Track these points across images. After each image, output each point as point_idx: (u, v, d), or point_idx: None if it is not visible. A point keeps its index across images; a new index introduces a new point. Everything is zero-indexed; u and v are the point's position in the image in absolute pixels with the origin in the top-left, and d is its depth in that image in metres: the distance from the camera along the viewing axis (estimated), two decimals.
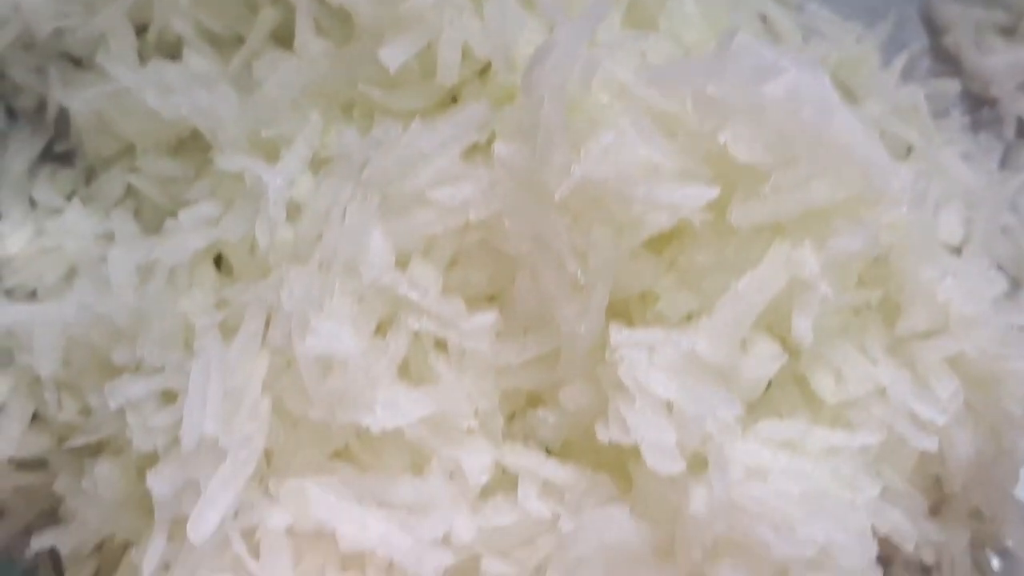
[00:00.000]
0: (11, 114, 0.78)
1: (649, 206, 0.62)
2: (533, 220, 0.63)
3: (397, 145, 0.64)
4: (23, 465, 0.68)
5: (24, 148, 0.76)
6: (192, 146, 0.72)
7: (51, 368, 0.65)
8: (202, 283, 0.66)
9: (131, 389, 0.61)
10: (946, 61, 0.88)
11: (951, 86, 0.86)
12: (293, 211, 0.65)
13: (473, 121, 0.65)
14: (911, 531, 0.65)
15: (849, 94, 0.80)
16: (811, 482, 0.60)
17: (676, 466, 0.58)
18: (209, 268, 0.66)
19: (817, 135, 0.63)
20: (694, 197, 0.62)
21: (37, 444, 0.67)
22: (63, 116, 0.75)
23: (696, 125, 0.63)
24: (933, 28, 0.88)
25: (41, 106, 0.76)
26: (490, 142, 0.65)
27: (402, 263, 0.64)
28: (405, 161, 0.64)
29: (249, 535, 0.60)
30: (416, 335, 0.64)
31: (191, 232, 0.65)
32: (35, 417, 0.68)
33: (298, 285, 0.61)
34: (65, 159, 0.76)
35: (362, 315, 0.62)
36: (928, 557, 0.70)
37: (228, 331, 0.62)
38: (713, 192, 0.62)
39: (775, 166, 0.63)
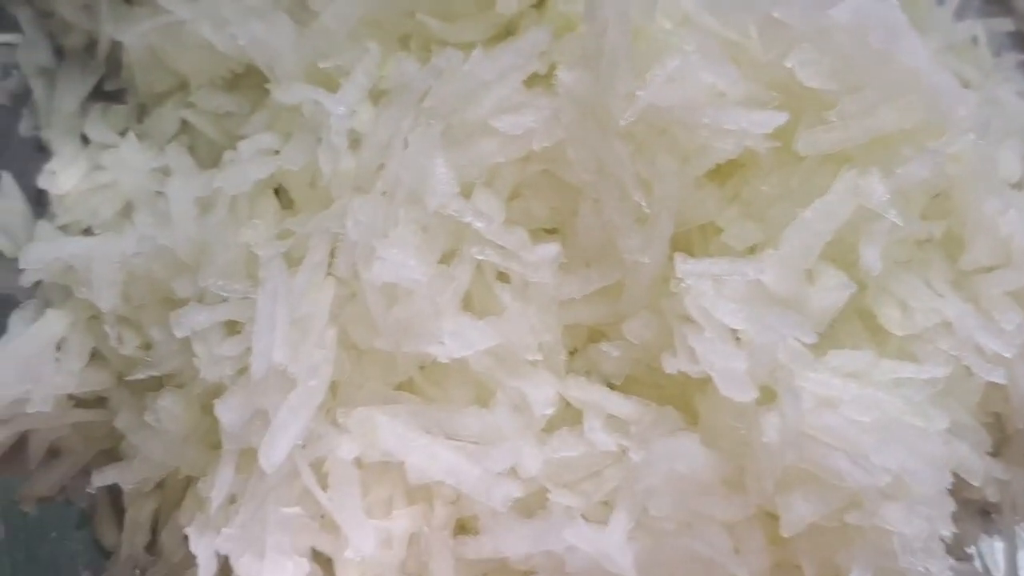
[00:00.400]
0: (60, 53, 0.77)
1: (715, 133, 0.61)
2: (596, 148, 0.62)
3: (458, 74, 0.64)
4: (82, 402, 0.67)
5: (75, 86, 0.75)
6: (247, 81, 0.71)
7: (111, 302, 0.64)
8: (263, 214, 0.65)
9: (196, 319, 0.61)
10: (997, 2, 0.87)
11: (1003, 24, 0.85)
12: (354, 141, 0.64)
13: (534, 49, 0.64)
14: (979, 465, 0.65)
15: None
16: (882, 411, 0.59)
17: (748, 394, 0.58)
18: (270, 199, 0.66)
19: (884, 60, 0.62)
20: (761, 123, 0.61)
21: (97, 380, 0.66)
22: (114, 54, 0.74)
23: (761, 51, 0.63)
24: None
25: (91, 44, 0.76)
26: (551, 72, 0.64)
27: (464, 193, 0.63)
28: (467, 90, 0.63)
29: (317, 466, 0.59)
30: (479, 266, 0.63)
31: (251, 162, 0.65)
32: (94, 353, 0.67)
33: (363, 214, 0.60)
34: (116, 97, 0.76)
35: (426, 244, 0.61)
36: (992, 495, 0.70)
37: (292, 261, 0.62)
38: (781, 117, 0.61)
39: (841, 92, 0.62)
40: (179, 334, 0.61)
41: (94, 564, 0.68)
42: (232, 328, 0.61)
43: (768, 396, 0.59)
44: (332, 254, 0.61)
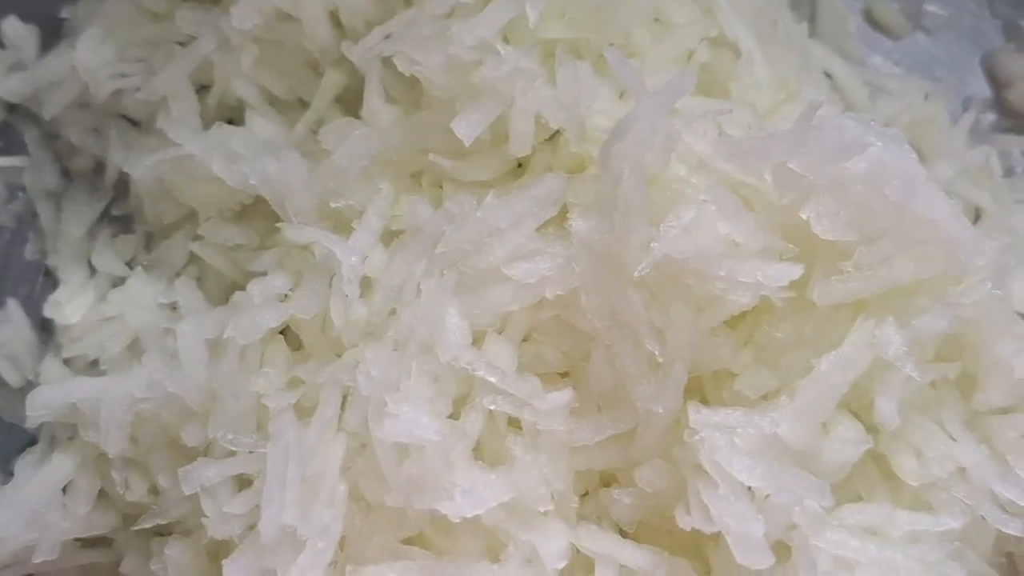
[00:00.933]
0: (67, 175, 0.76)
1: (731, 285, 0.61)
2: (610, 296, 0.62)
3: (471, 219, 0.63)
4: (88, 543, 0.67)
5: (82, 211, 0.75)
6: (256, 212, 0.71)
7: (119, 446, 0.64)
8: (274, 361, 0.64)
9: (205, 474, 0.60)
10: (1011, 115, 0.86)
11: (1018, 143, 0.85)
12: (365, 286, 0.64)
13: (549, 195, 0.64)
14: None
15: (919, 155, 0.78)
16: (899, 573, 0.59)
17: (765, 561, 0.57)
18: (281, 346, 0.65)
19: (901, 211, 0.61)
20: (777, 276, 0.61)
21: (104, 523, 0.66)
22: (122, 179, 0.74)
23: (777, 200, 0.62)
24: (996, 81, 0.86)
25: (98, 168, 0.75)
26: (563, 214, 0.64)
27: (476, 340, 0.62)
28: (480, 236, 0.63)
29: None
30: (490, 414, 0.62)
31: (262, 309, 0.64)
32: (100, 493, 0.66)
33: (374, 367, 0.60)
34: (124, 223, 0.75)
35: (438, 396, 0.61)
36: None
37: (302, 412, 0.61)
38: (797, 271, 0.61)
39: (858, 243, 0.62)
40: (187, 490, 0.60)
41: None
42: (244, 482, 0.61)
43: (782, 551, 0.59)
44: (342, 406, 0.61)
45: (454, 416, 0.62)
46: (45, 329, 0.73)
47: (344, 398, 0.61)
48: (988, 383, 0.66)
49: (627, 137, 0.60)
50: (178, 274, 0.71)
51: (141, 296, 0.70)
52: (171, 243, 0.72)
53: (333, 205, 0.66)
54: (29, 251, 0.75)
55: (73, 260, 0.73)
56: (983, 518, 0.64)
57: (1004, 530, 0.64)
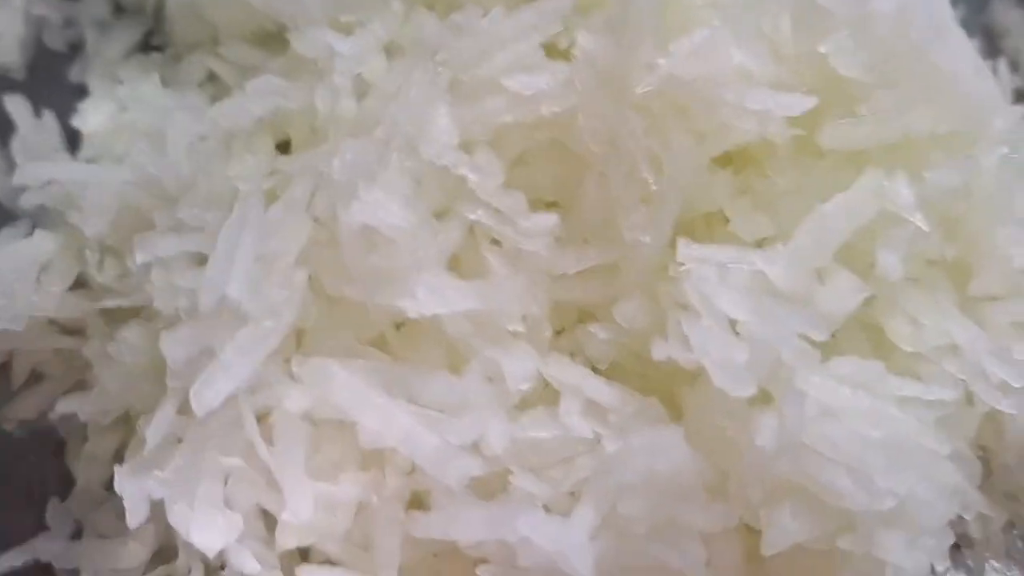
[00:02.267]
0: (118, 9, 0.57)
1: (737, 112, 0.40)
2: (609, 118, 0.41)
3: (475, 30, 0.43)
4: (65, 329, 0.47)
5: (122, 37, 0.55)
6: (275, 40, 0.51)
7: (97, 228, 0.44)
8: (258, 152, 0.44)
9: (161, 245, 0.40)
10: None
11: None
12: (362, 91, 0.44)
13: (556, 12, 0.43)
14: (977, 498, 0.42)
15: None
16: (893, 428, 0.37)
17: (746, 389, 0.36)
18: (268, 140, 0.45)
19: (923, 58, 0.40)
20: (788, 106, 0.40)
21: (77, 307, 0.45)
22: (161, 10, 0.54)
23: (793, 41, 0.41)
24: (989, 32, 0.64)
25: (143, 2, 0.56)
26: (570, 48, 0.43)
27: (466, 150, 0.42)
28: (481, 46, 0.43)
29: (264, 417, 0.38)
30: (471, 229, 0.42)
31: (251, 97, 0.44)
32: (79, 283, 0.46)
33: (352, 154, 0.39)
34: (159, 50, 0.56)
35: (416, 196, 0.40)
36: (976, 531, 0.46)
37: (273, 200, 0.41)
38: (810, 102, 0.40)
39: (875, 86, 0.41)
40: (140, 259, 0.40)
41: (63, 493, 0.47)
42: (200, 261, 0.40)
43: (763, 398, 0.37)
44: (314, 194, 0.40)
45: None
46: (77, 145, 0.53)
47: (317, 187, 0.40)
48: (984, 270, 0.44)
49: None
50: (196, 88, 0.51)
51: (155, 101, 0.50)
52: (191, 59, 0.52)
53: (343, 19, 0.46)
54: (74, 73, 0.56)
55: (104, 77, 0.54)
56: (969, 398, 0.42)
57: (996, 407, 0.41)
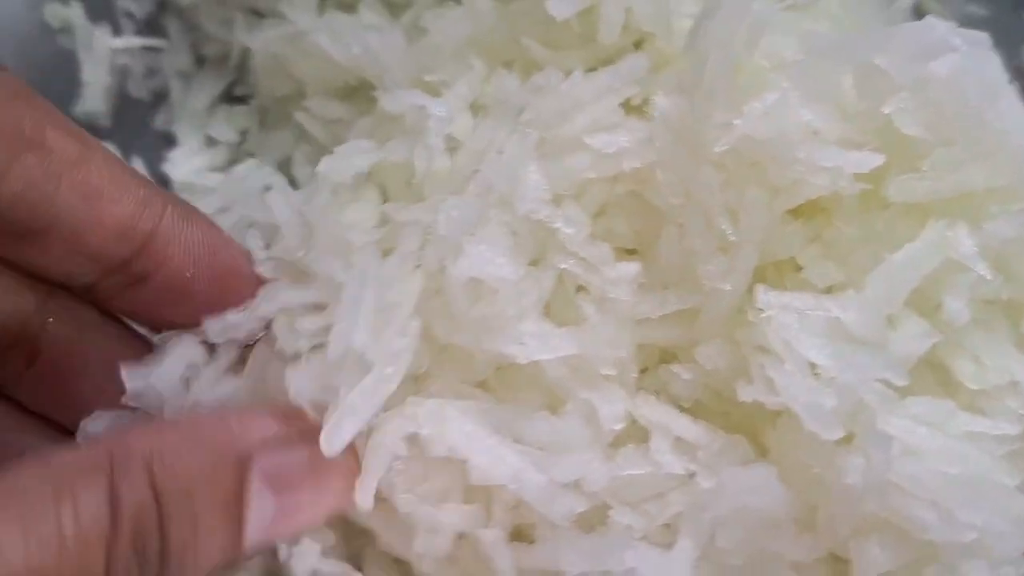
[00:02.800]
0: (200, 61, 0.60)
1: (809, 169, 0.43)
2: (686, 174, 0.44)
3: (557, 92, 0.46)
4: None
5: (207, 88, 0.59)
6: (358, 95, 0.54)
7: None
8: (365, 199, 0.47)
9: (284, 296, 0.42)
10: None
11: None
12: (451, 148, 0.47)
13: (632, 74, 0.46)
14: None
15: None
16: (967, 465, 0.40)
17: (835, 432, 0.39)
18: (372, 188, 0.48)
19: (978, 117, 0.43)
20: (857, 163, 0.43)
21: None
22: (244, 62, 0.58)
23: (859, 95, 0.44)
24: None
25: (226, 54, 0.59)
26: (644, 104, 0.47)
27: (554, 204, 0.44)
28: (564, 107, 0.46)
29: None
30: (560, 277, 0.44)
31: (352, 153, 0.47)
32: None
33: (455, 210, 0.42)
34: (243, 102, 0.59)
35: (516, 248, 0.43)
36: None
37: (384, 253, 0.43)
38: (877, 159, 0.43)
39: (935, 144, 0.44)
40: (264, 311, 0.42)
41: None
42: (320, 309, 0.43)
43: (844, 438, 0.40)
44: (422, 248, 0.43)
45: None
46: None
47: (424, 241, 0.43)
48: None
49: (716, 17, 0.43)
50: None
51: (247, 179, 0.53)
52: (278, 115, 0.55)
53: (427, 79, 0.49)
54: (160, 121, 0.59)
55: (192, 127, 0.57)
56: None
57: None
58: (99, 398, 0.40)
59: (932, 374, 0.45)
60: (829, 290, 0.45)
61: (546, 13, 0.48)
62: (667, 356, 0.46)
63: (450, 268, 0.41)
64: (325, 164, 0.46)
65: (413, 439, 0.41)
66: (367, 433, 0.39)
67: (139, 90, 0.59)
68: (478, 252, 0.41)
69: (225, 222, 0.48)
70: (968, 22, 0.66)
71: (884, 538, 0.39)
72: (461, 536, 0.42)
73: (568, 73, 0.48)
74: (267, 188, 0.49)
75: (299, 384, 0.39)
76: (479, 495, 0.42)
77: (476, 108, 0.49)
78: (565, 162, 0.45)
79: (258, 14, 0.58)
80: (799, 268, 0.45)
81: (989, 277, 0.43)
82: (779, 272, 0.46)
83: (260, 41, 0.54)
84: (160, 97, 0.60)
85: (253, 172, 0.52)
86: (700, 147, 0.43)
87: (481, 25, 0.50)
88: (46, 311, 0.40)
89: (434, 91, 0.49)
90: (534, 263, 0.44)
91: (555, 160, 0.45)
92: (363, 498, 0.39)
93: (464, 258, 0.41)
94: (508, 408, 0.42)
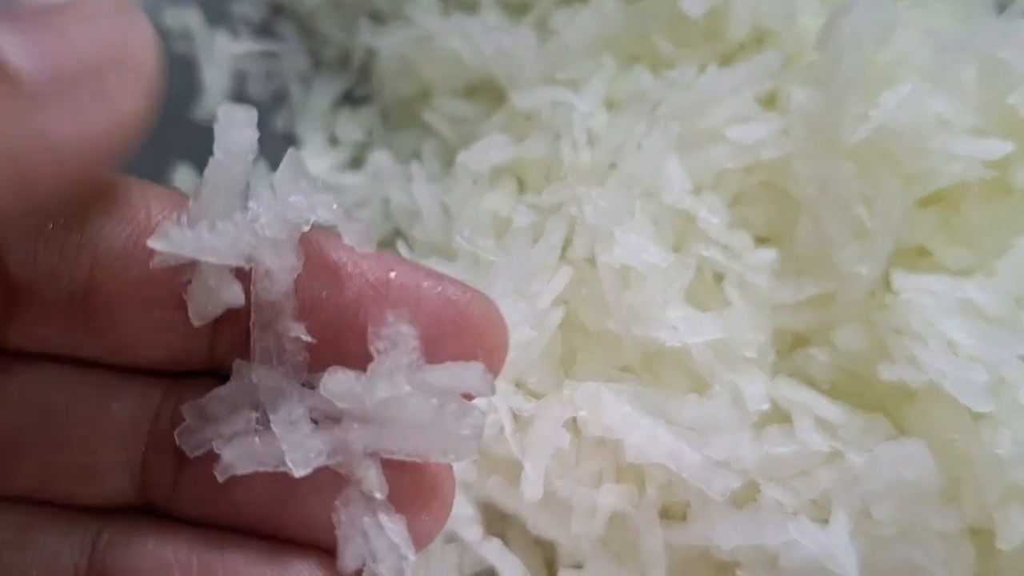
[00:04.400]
0: (317, 63, 0.63)
1: (943, 158, 0.45)
2: (822, 165, 0.46)
3: (694, 86, 0.48)
4: None
5: (328, 89, 0.61)
6: (483, 92, 0.56)
7: None
8: (504, 188, 0.49)
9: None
10: None
11: None
12: (589, 141, 0.49)
13: (767, 69, 0.48)
14: None
15: None
16: None
17: (986, 405, 0.40)
18: (510, 179, 0.50)
19: None
20: (987, 150, 0.45)
21: None
22: (366, 65, 0.60)
23: (983, 86, 0.46)
24: None
25: (344, 57, 0.62)
26: (772, 99, 0.49)
27: (693, 194, 0.47)
28: (700, 101, 0.48)
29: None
30: (699, 265, 0.46)
31: (491, 146, 0.49)
32: None
33: (603, 200, 0.44)
34: (362, 103, 0.61)
35: (659, 237, 0.45)
36: None
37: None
38: (1006, 147, 0.45)
39: None
40: None
41: None
42: None
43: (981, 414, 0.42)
44: (567, 242, 0.46)
45: None
46: None
47: (569, 232, 0.46)
48: None
49: (851, 12, 0.45)
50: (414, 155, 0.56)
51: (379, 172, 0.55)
52: (405, 115, 0.57)
53: (559, 77, 0.51)
54: (280, 123, 0.61)
55: (316, 128, 0.60)
56: None
57: None
58: None
59: None
60: (959, 274, 0.47)
61: (673, 11, 0.50)
62: (800, 340, 0.48)
63: (601, 257, 0.43)
64: (465, 156, 0.48)
65: (569, 423, 0.43)
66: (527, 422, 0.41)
67: (259, 93, 0.62)
68: (629, 241, 0.43)
69: (365, 214, 0.50)
70: None
71: None
72: (612, 516, 0.44)
73: (699, 68, 0.50)
74: (408, 179, 0.51)
75: None
76: (630, 475, 0.44)
77: (609, 104, 0.51)
78: (704, 153, 0.47)
79: (379, 18, 0.61)
80: (927, 254, 0.47)
81: None
82: (910, 258, 0.48)
83: (387, 44, 0.56)
84: (279, 99, 0.62)
85: (388, 164, 0.54)
86: (836, 138, 0.45)
87: (610, 24, 0.52)
88: None
89: (574, 87, 0.51)
90: (675, 250, 0.46)
91: (694, 152, 0.47)
92: (532, 490, 0.41)
93: (617, 246, 0.43)
94: (659, 391, 0.44)
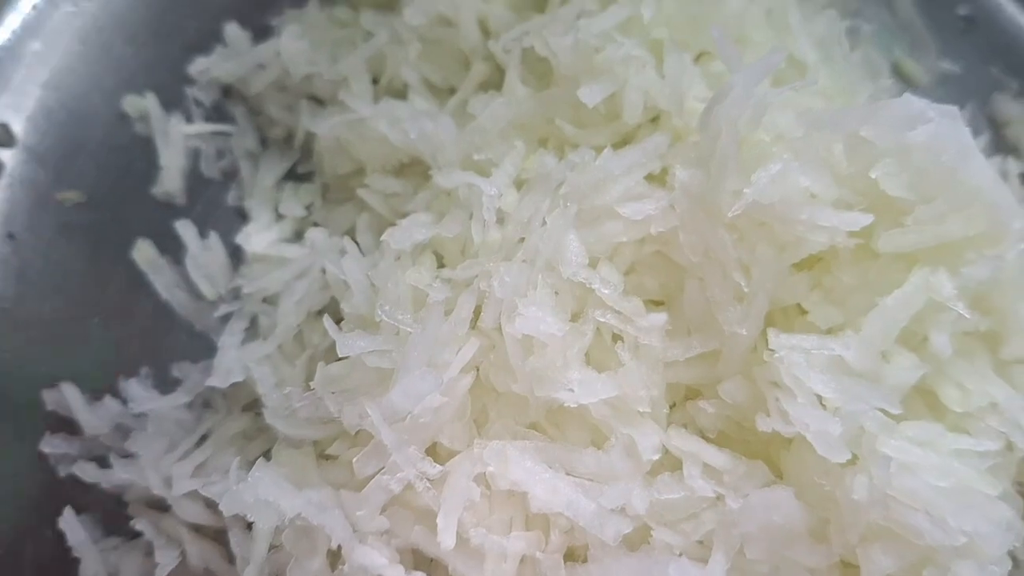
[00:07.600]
0: (264, 142, 0.67)
1: (811, 228, 0.49)
2: (705, 235, 0.50)
3: (591, 167, 0.52)
4: None
5: (274, 167, 0.65)
6: (410, 170, 0.61)
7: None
8: (424, 264, 0.53)
9: (358, 343, 0.49)
10: (1007, 151, 0.73)
11: (1014, 166, 0.72)
12: (500, 219, 0.53)
13: (656, 150, 0.53)
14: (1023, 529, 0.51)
15: None
16: (957, 478, 0.46)
17: (843, 456, 0.45)
18: (429, 256, 0.54)
19: (954, 177, 0.50)
20: (850, 222, 0.49)
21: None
22: (308, 144, 0.64)
23: (846, 165, 0.51)
24: (994, 123, 0.74)
25: (288, 137, 0.66)
26: (664, 174, 0.53)
27: (591, 266, 0.51)
28: (597, 180, 0.52)
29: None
30: (598, 328, 0.51)
31: (413, 227, 0.53)
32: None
33: (508, 276, 0.49)
34: (306, 178, 0.65)
35: (559, 306, 0.49)
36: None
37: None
38: (867, 219, 0.49)
39: (917, 202, 0.50)
40: (342, 352, 0.48)
41: None
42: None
43: (849, 459, 0.46)
44: (477, 311, 0.50)
45: None
46: (237, 258, 0.63)
47: (479, 304, 0.50)
48: (1013, 337, 0.53)
49: (726, 99, 0.50)
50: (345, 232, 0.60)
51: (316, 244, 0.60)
52: (341, 192, 0.62)
53: (475, 158, 0.56)
54: (231, 198, 0.65)
55: (263, 204, 0.64)
56: (1010, 445, 0.51)
57: None
58: None
59: (922, 401, 0.51)
60: (830, 331, 0.51)
61: (576, 98, 0.55)
62: (692, 393, 0.53)
63: (507, 328, 0.47)
64: (389, 235, 0.52)
65: (479, 478, 0.47)
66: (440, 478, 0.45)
67: (211, 170, 0.65)
68: (530, 312, 0.47)
69: (301, 287, 0.55)
70: (943, 78, 0.73)
71: (887, 544, 0.45)
72: (523, 559, 0.48)
73: (598, 150, 0.54)
74: (342, 252, 0.55)
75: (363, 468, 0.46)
76: (538, 523, 0.48)
77: (519, 183, 0.55)
78: (600, 228, 0.51)
79: (318, 100, 0.65)
80: (804, 312, 0.52)
81: (967, 315, 0.49)
82: (787, 316, 0.53)
83: (324, 127, 0.60)
84: (230, 176, 0.65)
85: (324, 240, 0.59)
86: (715, 211, 0.50)
87: (520, 109, 0.56)
88: None
89: (483, 169, 0.55)
90: (574, 318, 0.51)
91: (591, 227, 0.51)
92: (447, 539, 0.45)
93: (519, 318, 0.47)
94: (559, 445, 0.48)
